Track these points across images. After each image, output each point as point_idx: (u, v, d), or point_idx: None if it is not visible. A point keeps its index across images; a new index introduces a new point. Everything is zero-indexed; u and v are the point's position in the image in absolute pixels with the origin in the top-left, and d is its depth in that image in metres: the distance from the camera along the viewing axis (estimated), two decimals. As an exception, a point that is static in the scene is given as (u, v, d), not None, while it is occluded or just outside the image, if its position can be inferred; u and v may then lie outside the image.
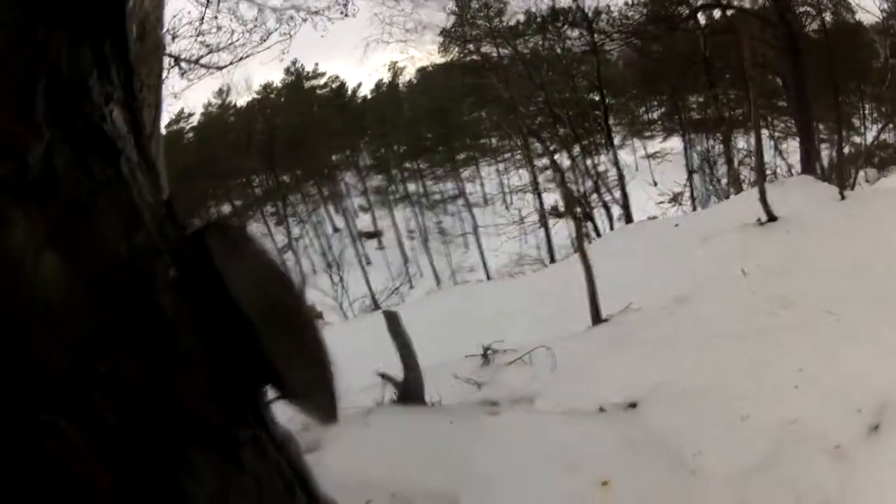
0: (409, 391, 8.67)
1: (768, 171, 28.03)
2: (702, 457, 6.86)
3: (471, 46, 35.66)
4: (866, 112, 36.77)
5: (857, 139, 35.73)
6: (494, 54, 35.94)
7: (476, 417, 8.12)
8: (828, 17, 32.96)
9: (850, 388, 7.56)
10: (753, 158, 25.12)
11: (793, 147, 31.87)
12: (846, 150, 32.48)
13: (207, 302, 1.61)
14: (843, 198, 18.22)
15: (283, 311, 1.78)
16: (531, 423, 7.95)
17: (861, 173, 30.27)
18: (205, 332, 1.61)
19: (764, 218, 16.79)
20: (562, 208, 34.26)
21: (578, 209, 31.65)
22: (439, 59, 38.39)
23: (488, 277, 38.00)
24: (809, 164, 27.60)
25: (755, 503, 6.15)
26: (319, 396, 1.86)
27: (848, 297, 10.07)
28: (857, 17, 33.85)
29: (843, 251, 12.77)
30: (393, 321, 8.94)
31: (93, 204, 1.46)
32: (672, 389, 8.31)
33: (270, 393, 1.80)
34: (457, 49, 36.69)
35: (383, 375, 8.88)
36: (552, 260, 32.67)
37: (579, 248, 13.11)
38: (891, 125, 35.67)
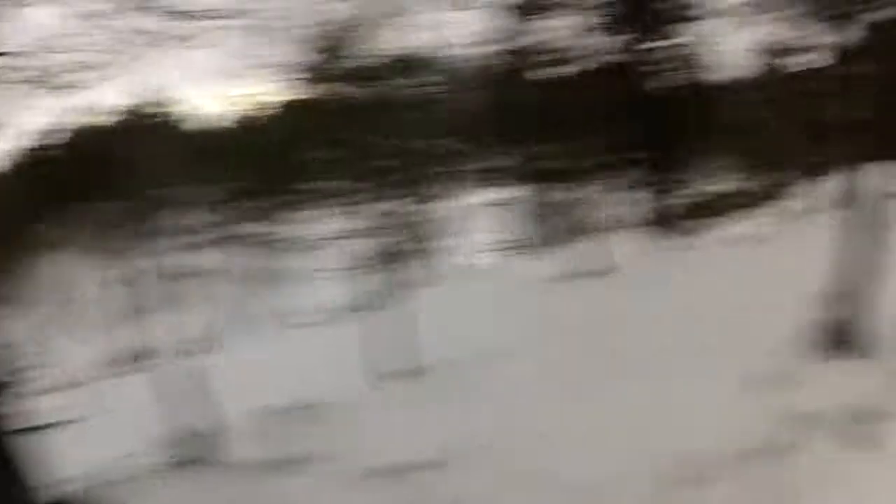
0: (204, 449, 8.69)
1: (607, 222, 28.68)
2: None
3: (328, 86, 35.45)
4: (716, 163, 38.14)
5: (704, 189, 36.97)
6: (342, 95, 35.86)
7: (262, 479, 8.16)
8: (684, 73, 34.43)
9: (655, 443, 7.75)
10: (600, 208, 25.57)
11: (640, 197, 32.09)
12: (690, 199, 33.51)
13: None
14: (670, 248, 19.12)
15: None
16: (316, 486, 7.94)
17: (699, 222, 31.19)
18: None
19: (599, 269, 17.10)
20: (394, 253, 34.26)
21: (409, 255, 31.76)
22: (287, 97, 37.94)
23: (315, 322, 37.54)
24: (645, 215, 28.32)
25: None
26: None
27: (657, 350, 10.37)
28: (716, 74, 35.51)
29: (656, 303, 13.07)
30: (192, 375, 9.24)
31: None
32: (469, 449, 8.37)
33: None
34: (313, 88, 36.33)
35: (179, 431, 8.91)
36: (378, 307, 32.27)
37: (379, 298, 13.19)
38: (734, 176, 36.97)
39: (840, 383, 8.32)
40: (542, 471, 7.56)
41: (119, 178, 45.99)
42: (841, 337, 9.01)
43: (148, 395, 17.69)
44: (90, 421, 16.80)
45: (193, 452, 8.69)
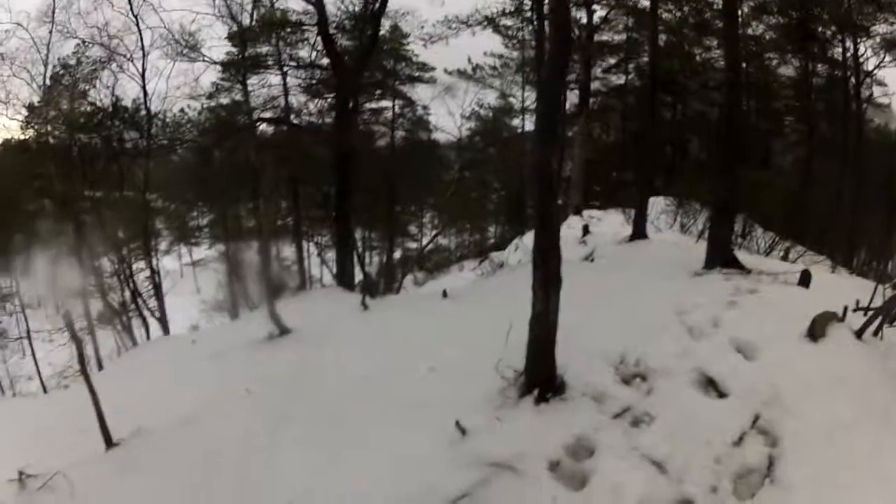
0: None
1: (309, 281, 29.23)
2: None
3: (47, 128, 34.68)
4: (426, 220, 39.41)
5: (413, 245, 38.11)
6: (63, 142, 35.16)
7: None
8: (401, 133, 35.37)
9: (352, 499, 8.32)
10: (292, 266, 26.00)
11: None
12: (399, 255, 34.60)
13: None
14: (366, 307, 19.08)
15: None
16: None
17: (411, 278, 32.14)
18: None
19: (276, 332, 17.46)
20: (106, 315, 33.59)
21: (117, 319, 31.47)
22: (18, 136, 36.81)
23: (45, 389, 36.29)
24: (345, 273, 28.98)
25: None
26: None
27: (353, 407, 10.78)
28: (434, 135, 36.66)
29: (351, 361, 13.37)
30: None
31: None
32: None
33: None
34: (34, 129, 35.41)
35: None
36: (100, 368, 31.71)
37: (82, 372, 13.22)
38: (446, 232, 38.37)
39: (542, 427, 9.05)
40: None
41: None
42: (539, 382, 9.73)
43: None
44: None
45: None
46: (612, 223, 24.39)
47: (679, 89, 36.76)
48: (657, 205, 26.41)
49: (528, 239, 22.75)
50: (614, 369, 10.43)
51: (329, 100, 32.30)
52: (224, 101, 35.70)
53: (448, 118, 36.65)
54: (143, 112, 34.79)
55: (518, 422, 9.26)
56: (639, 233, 21.07)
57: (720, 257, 15.86)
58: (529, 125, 36.54)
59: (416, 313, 17.00)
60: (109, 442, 12.04)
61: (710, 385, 10.11)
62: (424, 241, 38.21)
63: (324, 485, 8.71)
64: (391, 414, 10.26)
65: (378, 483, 8.45)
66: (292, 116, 33.03)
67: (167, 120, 35.55)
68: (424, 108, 37.18)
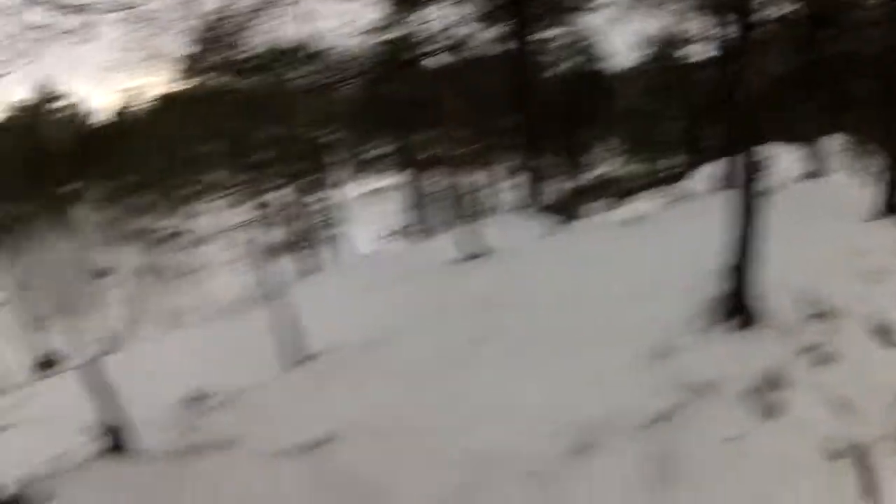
0: (119, 441, 9.04)
1: (495, 207, 29.25)
2: (393, 491, 7.41)
3: (205, 77, 35.34)
4: (605, 149, 39.05)
5: (594, 174, 37.83)
6: (227, 87, 35.83)
7: (181, 463, 8.52)
8: (574, 62, 35.03)
9: (553, 413, 8.22)
10: (472, 195, 26.00)
11: (518, 183, 32.34)
12: (580, 184, 34.38)
13: None
14: (560, 231, 19.12)
15: None
16: (231, 467, 8.40)
17: (593, 206, 31.96)
18: None
19: (470, 253, 17.22)
20: (283, 244, 34.19)
21: (298, 246, 32.05)
22: (174, 88, 37.78)
23: (212, 316, 37.45)
24: (533, 198, 28.64)
25: None
26: None
27: (554, 326, 10.72)
28: (608, 63, 36.21)
29: (547, 282, 13.26)
30: (92, 374, 9.30)
31: None
32: (370, 425, 8.79)
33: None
34: (193, 79, 36.26)
35: (94, 427, 9.14)
36: (271, 298, 31.96)
37: (271, 292, 13.52)
38: (627, 161, 38.02)
39: (735, 354, 8.98)
40: (438, 444, 8.15)
41: (8, 177, 45.01)
42: (732, 310, 9.68)
43: (65, 395, 18.14)
44: (13, 426, 17.14)
45: (113, 445, 9.07)
46: (789, 159, 23.71)
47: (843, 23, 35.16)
48: (831, 143, 25.57)
49: (707, 170, 22.36)
50: (799, 305, 10.12)
51: (504, 28, 31.97)
52: (394, 34, 35.68)
53: (619, 46, 35.93)
54: (310, 51, 34.97)
55: (714, 348, 9.24)
56: (813, 171, 20.55)
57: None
58: (700, 55, 35.69)
59: (605, 239, 16.72)
60: (301, 359, 12.23)
61: (887, 333, 9.75)
62: (603, 170, 37.79)
63: (524, 400, 8.79)
64: (588, 334, 10.23)
65: (578, 399, 8.53)
66: (466, 46, 32.90)
67: (338, 55, 35.70)
68: (595, 36, 36.55)
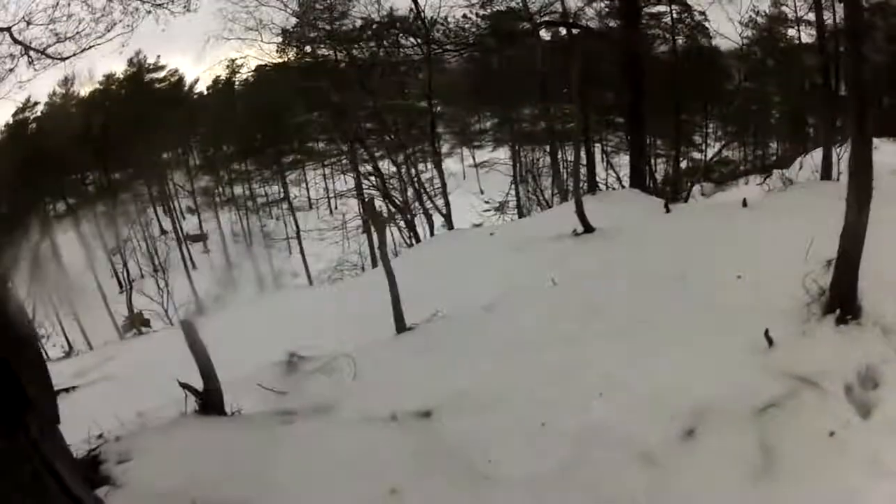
0: (209, 402, 8.75)
1: (599, 185, 28.73)
2: (497, 463, 7.08)
3: (308, 48, 35.40)
4: (711, 131, 38.10)
5: (698, 155, 36.97)
6: (331, 58, 35.78)
7: (273, 427, 8.27)
8: (681, 40, 34.14)
9: (661, 394, 7.91)
10: (581, 170, 25.50)
11: (626, 161, 31.61)
12: (685, 165, 33.58)
13: None
14: (668, 210, 18.51)
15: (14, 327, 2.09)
16: (326, 433, 8.14)
17: (697, 188, 31.21)
18: None
19: (580, 229, 17.04)
20: (385, 214, 34.22)
21: (399, 216, 31.87)
22: (276, 59, 38.01)
23: (310, 283, 37.84)
24: (638, 177, 28.11)
25: None
26: (45, 402, 2.20)
27: (661, 306, 10.47)
28: (714, 42, 35.19)
29: (659, 261, 13.02)
30: (189, 331, 8.96)
31: None
32: (472, 397, 8.50)
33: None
34: (294, 50, 36.38)
35: (184, 385, 8.84)
36: (373, 265, 32.70)
37: (382, 256, 13.19)
38: (734, 143, 37.06)
39: (837, 348, 8.50)
40: (544, 420, 7.76)
41: (113, 144, 45.71)
42: (837, 302, 9.16)
43: (154, 354, 17.98)
44: (107, 382, 17.03)
45: (203, 406, 8.79)
46: (886, 152, 22.88)
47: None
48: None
49: (814, 157, 21.58)
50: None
51: (612, 2, 31.24)
52: (501, 7, 35.14)
53: (727, 24, 34.83)
54: (420, 21, 34.64)
55: (821, 339, 8.77)
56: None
57: None
58: (805, 37, 34.58)
59: (716, 220, 16.31)
60: (403, 326, 12.10)
61: None
62: (709, 152, 36.90)
63: (632, 378, 8.37)
64: (698, 316, 9.88)
65: (686, 383, 8.09)
66: (571, 20, 32.20)
67: (448, 25, 35.31)
68: (702, 13, 35.48)
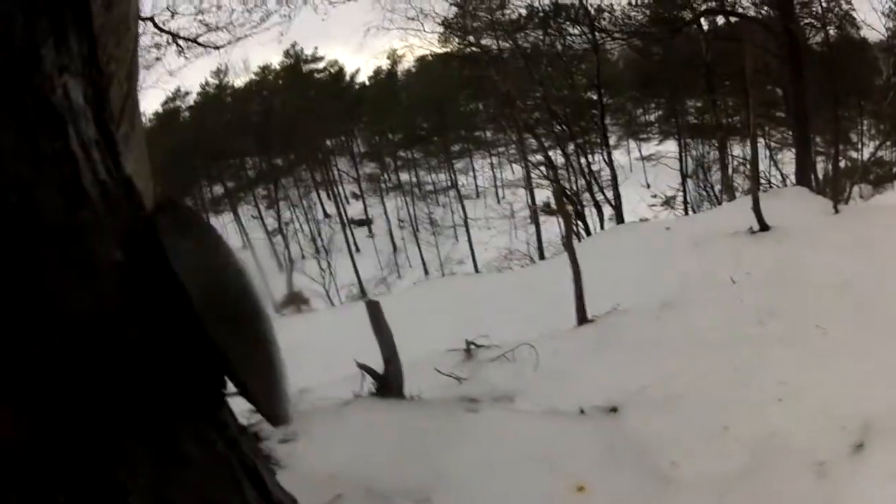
0: (388, 384, 8.51)
1: (762, 181, 27.91)
2: (679, 466, 6.75)
3: (471, 38, 35.53)
4: (864, 128, 36.70)
5: (854, 154, 35.61)
6: (494, 47, 35.85)
7: (454, 414, 7.98)
8: (832, 31, 32.87)
9: (834, 404, 7.45)
10: (748, 166, 24.83)
11: (788, 157, 31.83)
12: (842, 164, 32.30)
13: (155, 287, 1.51)
14: (836, 211, 18.01)
15: (233, 300, 1.67)
16: (510, 423, 7.83)
17: (855, 189, 30.10)
18: (149, 320, 1.51)
19: (756, 227, 16.74)
20: (553, 205, 34.12)
21: (570, 207, 31.52)
22: (438, 49, 38.29)
23: (476, 270, 38.05)
24: (804, 175, 27.12)
25: None
26: (270, 394, 1.77)
27: (837, 312, 10.00)
28: (862, 33, 33.81)
29: (834, 265, 12.61)
30: (374, 311, 8.75)
31: (35, 179, 1.36)
32: (654, 395, 8.22)
33: (226, 388, 1.71)
34: (456, 40, 36.58)
35: (362, 366, 8.68)
36: (541, 256, 32.64)
37: (568, 246, 12.87)
38: (888, 143, 35.52)
39: None
40: (725, 423, 7.41)
41: (273, 131, 46.83)
42: None
43: (320, 333, 18.04)
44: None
45: (376, 388, 8.63)
46: None
47: None
48: None
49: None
50: None
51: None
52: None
53: (872, 14, 33.29)
54: (585, 9, 34.36)
55: None
56: None
57: None
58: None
59: (888, 224, 15.70)
60: (584, 319, 11.84)
61: None
62: (864, 151, 35.51)
63: (808, 385, 7.97)
64: (877, 324, 9.35)
65: (857, 393, 7.60)
66: (737, 9, 31.38)
67: (613, 14, 34.93)
68: (848, 1, 33.96)
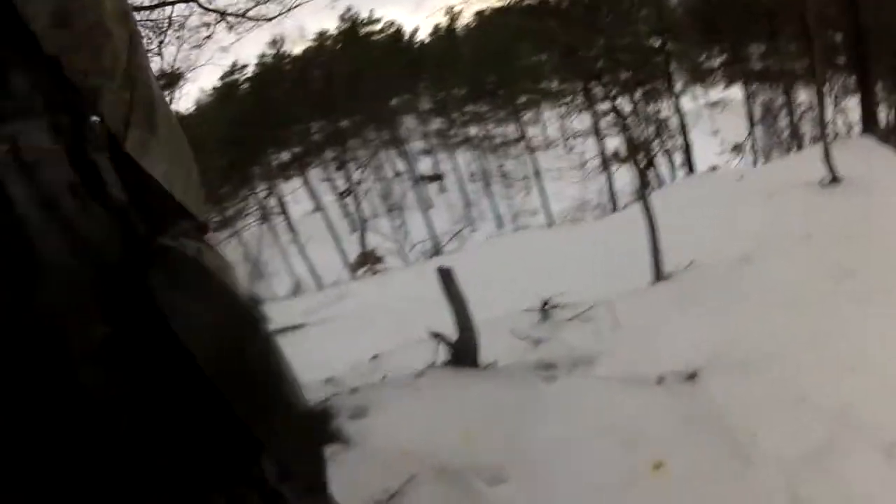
0: (462, 352, 8.36)
1: (828, 130, 27.46)
2: (759, 440, 6.49)
3: None
4: None
5: None
6: None
7: (532, 383, 7.84)
8: None
9: None
10: (816, 114, 24.34)
11: (851, 105, 30.29)
12: None
13: (158, 354, 1.30)
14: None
15: (245, 356, 1.47)
16: (589, 393, 7.64)
17: None
18: (138, 404, 1.31)
19: (827, 178, 16.47)
20: (623, 154, 33.97)
21: (641, 156, 31.24)
22: (496, 3, 38.16)
23: (550, 222, 37.95)
24: (869, 125, 26.16)
25: (805, 499, 5.70)
26: (300, 457, 1.58)
27: None
28: None
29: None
30: (447, 279, 8.58)
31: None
32: (733, 359, 7.99)
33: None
34: None
35: (436, 335, 8.50)
36: (614, 207, 32.49)
37: (642, 200, 12.59)
38: None
39: None
40: (803, 391, 7.15)
41: (337, 95, 47.14)
42: None
43: (393, 294, 18.02)
44: (338, 321, 17.18)
45: (460, 357, 8.44)
46: None
47: None
48: None
49: None
50: None
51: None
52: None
53: None
54: None
55: None
56: None
57: None
58: None
59: None
60: (660, 275, 11.68)
61: None
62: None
63: (883, 356, 7.58)
64: None
65: None
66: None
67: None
68: None
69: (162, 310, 1.33)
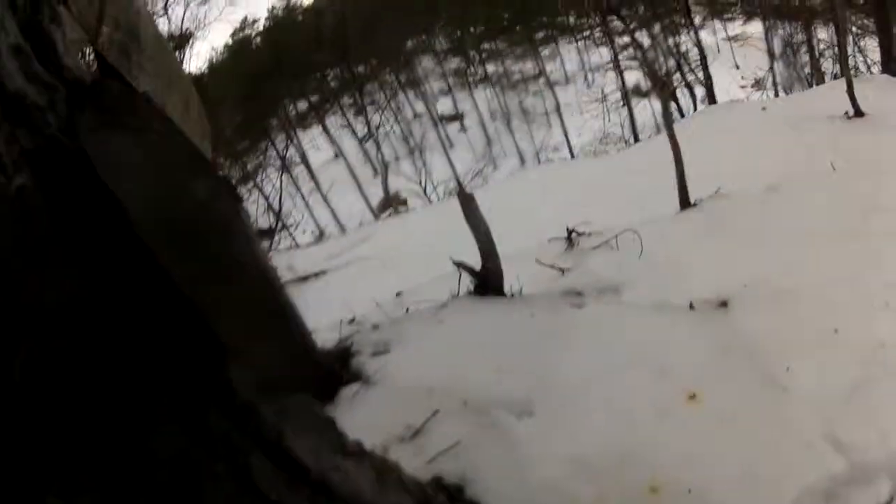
0: (487, 281, 8.18)
1: (856, 65, 27.29)
2: (793, 373, 6.30)
3: None
4: None
5: None
6: None
7: (559, 310, 7.66)
8: None
9: None
10: (837, 50, 24.11)
11: (871, 45, 30.46)
12: None
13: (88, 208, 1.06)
14: None
15: (195, 214, 1.21)
16: (618, 319, 7.49)
17: None
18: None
19: (851, 112, 16.45)
20: (644, 87, 33.87)
21: (663, 84, 31.02)
22: None
23: (572, 156, 37.97)
24: (889, 64, 25.92)
25: (841, 438, 5.51)
26: (270, 348, 1.32)
27: None
28: None
29: None
30: (468, 204, 8.34)
31: None
32: (764, 289, 7.82)
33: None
34: None
35: (459, 263, 8.32)
36: (636, 139, 32.44)
37: (667, 128, 12.34)
38: None
39: None
40: (837, 326, 6.86)
41: (351, 40, 47.16)
42: None
43: (417, 233, 17.95)
44: (361, 263, 17.16)
45: (485, 286, 8.27)
46: None
47: None
48: None
49: None
50: None
51: None
52: None
53: None
54: None
55: None
56: None
57: None
58: None
59: None
60: (686, 203, 11.45)
61: None
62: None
63: None
64: None
65: None
66: None
67: None
68: None
69: (86, 151, 1.09)
